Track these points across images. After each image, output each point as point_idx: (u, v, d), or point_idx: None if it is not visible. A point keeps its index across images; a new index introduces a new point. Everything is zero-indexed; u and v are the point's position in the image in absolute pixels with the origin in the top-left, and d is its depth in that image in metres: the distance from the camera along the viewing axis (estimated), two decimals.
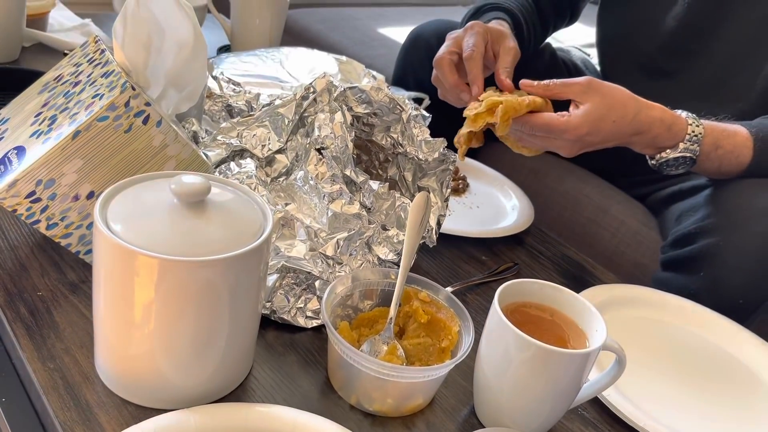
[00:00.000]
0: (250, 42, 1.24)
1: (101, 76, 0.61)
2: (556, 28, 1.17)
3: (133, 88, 0.60)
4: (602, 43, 1.16)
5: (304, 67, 1.06)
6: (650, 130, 0.79)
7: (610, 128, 0.76)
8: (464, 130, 0.77)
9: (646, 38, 1.06)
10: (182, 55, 0.67)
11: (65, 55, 0.72)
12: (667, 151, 0.80)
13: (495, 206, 0.99)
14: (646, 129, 0.78)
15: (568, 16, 1.15)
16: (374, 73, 1.10)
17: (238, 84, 0.93)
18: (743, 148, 0.81)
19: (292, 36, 1.65)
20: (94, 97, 0.60)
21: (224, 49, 1.28)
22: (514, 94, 0.80)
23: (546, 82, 0.79)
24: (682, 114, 0.81)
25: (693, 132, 0.79)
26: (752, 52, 0.97)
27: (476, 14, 1.02)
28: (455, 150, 0.79)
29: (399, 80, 1.20)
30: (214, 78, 0.90)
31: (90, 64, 0.64)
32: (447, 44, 0.86)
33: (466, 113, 0.78)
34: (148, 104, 0.61)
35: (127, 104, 0.59)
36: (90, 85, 0.61)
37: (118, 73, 0.61)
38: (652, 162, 0.83)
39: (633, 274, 1.04)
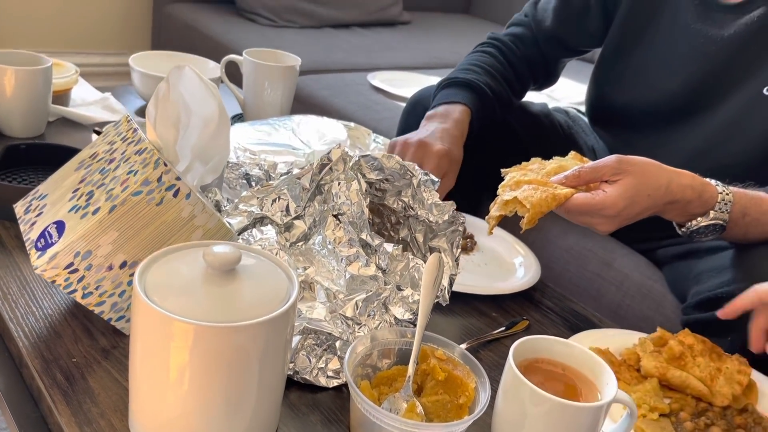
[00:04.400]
0: (262, 111, 1.29)
1: (135, 153, 0.66)
2: (537, 87, 1.23)
3: (165, 165, 0.64)
4: (594, 102, 1.19)
5: (315, 133, 1.11)
6: (683, 197, 0.80)
7: (646, 201, 0.78)
8: (495, 213, 0.80)
9: (642, 102, 1.09)
10: (208, 130, 0.72)
11: (96, 132, 0.77)
12: (698, 219, 0.82)
13: (503, 263, 1.02)
14: (679, 197, 0.80)
15: (542, 78, 1.21)
16: (380, 138, 1.16)
17: (253, 152, 0.98)
18: None
19: (300, 101, 1.72)
20: (128, 173, 0.64)
21: (237, 118, 1.34)
22: (539, 169, 0.83)
23: (574, 172, 0.80)
24: (711, 181, 0.82)
25: (723, 200, 0.81)
26: (746, 122, 0.98)
27: (444, 88, 1.09)
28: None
29: None
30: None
31: (123, 142, 0.68)
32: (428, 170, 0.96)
33: (499, 192, 0.81)
34: (178, 178, 0.65)
35: (159, 179, 0.64)
36: (124, 162, 0.66)
37: (151, 150, 0.65)
38: (683, 230, 0.84)
39: (639, 327, 1.06)
